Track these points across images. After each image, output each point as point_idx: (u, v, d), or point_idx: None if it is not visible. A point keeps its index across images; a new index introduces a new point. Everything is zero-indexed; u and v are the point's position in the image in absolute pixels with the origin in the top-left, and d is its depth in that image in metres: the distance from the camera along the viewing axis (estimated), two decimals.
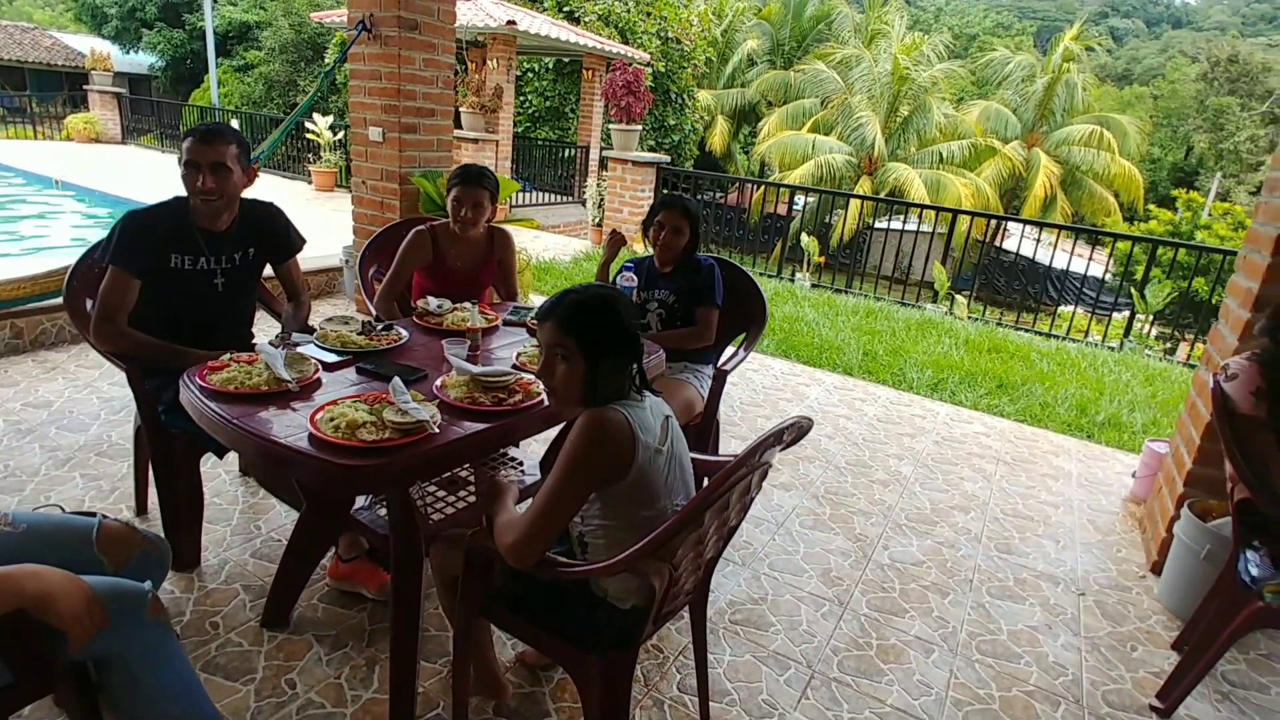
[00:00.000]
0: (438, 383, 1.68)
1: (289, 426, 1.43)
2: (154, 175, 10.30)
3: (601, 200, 7.97)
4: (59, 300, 3.52)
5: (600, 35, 11.53)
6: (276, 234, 2.24)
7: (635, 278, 2.33)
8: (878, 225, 14.96)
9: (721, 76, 20.68)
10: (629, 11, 13.05)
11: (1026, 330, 6.60)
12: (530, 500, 1.30)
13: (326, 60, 14.95)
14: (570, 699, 1.83)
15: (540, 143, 13.06)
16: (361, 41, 3.96)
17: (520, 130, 12.96)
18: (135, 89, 20.20)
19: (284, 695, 1.74)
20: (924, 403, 4.33)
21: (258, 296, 2.35)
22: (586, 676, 1.37)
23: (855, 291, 7.35)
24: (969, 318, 6.69)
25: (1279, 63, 27.85)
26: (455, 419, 1.53)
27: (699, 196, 10.39)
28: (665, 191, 8.16)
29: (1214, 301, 8.68)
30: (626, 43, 12.50)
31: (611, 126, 7.58)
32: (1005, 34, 33.40)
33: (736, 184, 17.37)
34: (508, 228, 2.85)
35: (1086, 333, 6.78)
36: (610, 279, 2.76)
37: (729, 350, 2.79)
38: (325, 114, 11.49)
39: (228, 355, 1.69)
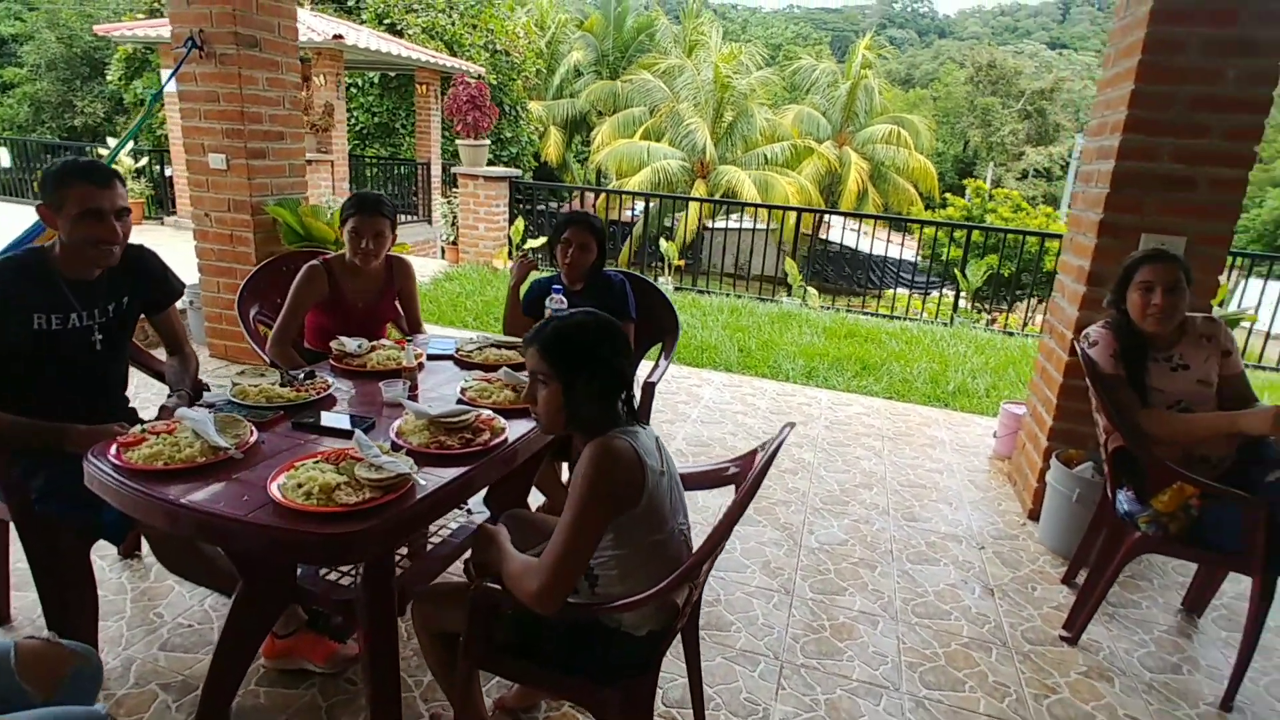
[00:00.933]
0: (393, 430, 1.56)
1: (245, 500, 1.27)
2: None
3: (455, 218, 7.73)
4: None
5: (427, 48, 11.17)
6: (153, 278, 1.96)
7: (565, 300, 2.29)
8: (715, 225, 15.75)
9: (550, 87, 20.76)
10: (454, 24, 12.76)
11: (871, 314, 7.21)
12: (545, 543, 1.24)
13: (109, 78, 13.29)
14: None
15: (374, 160, 12.42)
16: (192, 60, 3.57)
17: (350, 149, 12.25)
18: None
19: None
20: (805, 391, 4.61)
21: (129, 354, 2.05)
22: (607, 712, 1.33)
23: (716, 291, 7.67)
24: (821, 307, 7.21)
25: (1026, 66, 32.48)
26: (428, 467, 1.43)
27: (537, 208, 10.38)
28: (520, 205, 8.08)
29: (1005, 275, 9.99)
30: (455, 55, 12.20)
31: (459, 142, 7.38)
32: (805, 43, 36.25)
33: (576, 193, 17.51)
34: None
35: (921, 311, 7.53)
36: (521, 301, 2.70)
37: (646, 363, 2.82)
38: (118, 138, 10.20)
39: (139, 427, 1.47)
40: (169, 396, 1.90)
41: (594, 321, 1.34)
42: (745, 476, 1.51)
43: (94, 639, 1.83)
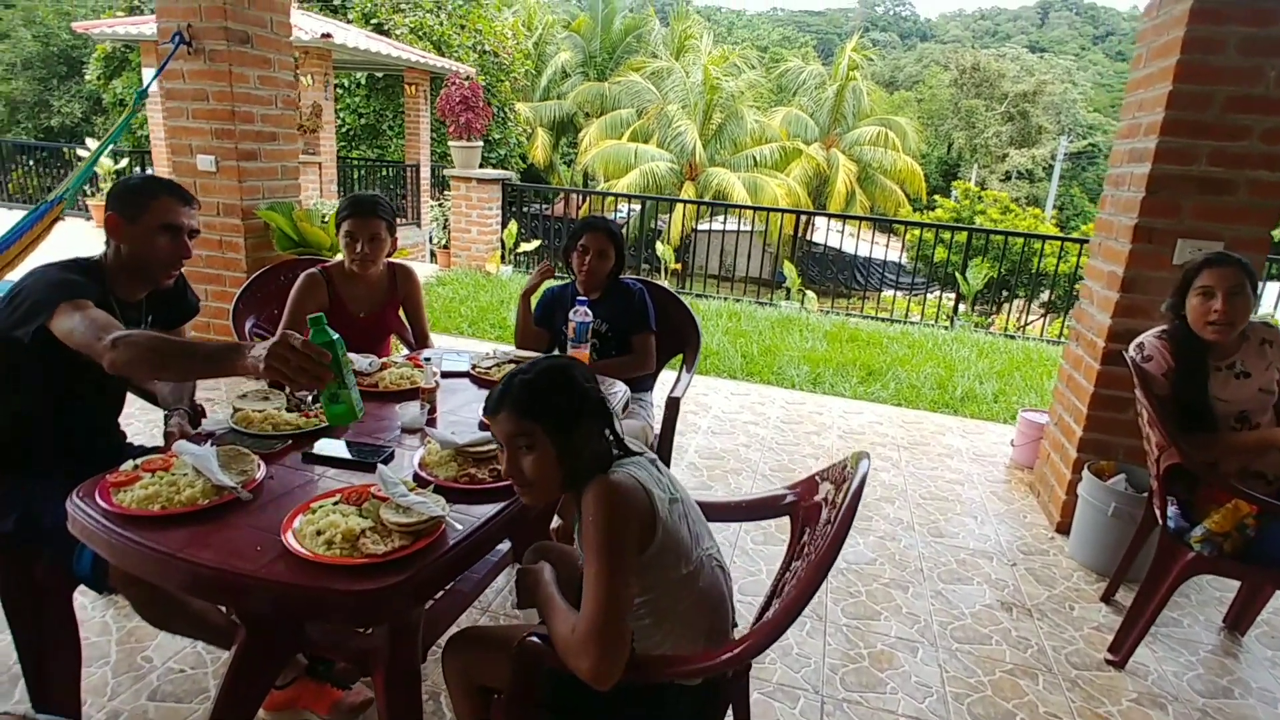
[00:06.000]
0: (415, 461, 1.41)
1: (257, 551, 1.12)
2: None
3: (446, 221, 7.55)
4: None
5: (415, 48, 10.97)
6: (174, 296, 1.82)
7: (590, 311, 2.15)
8: (700, 228, 15.65)
9: (537, 89, 20.56)
10: (442, 24, 12.57)
11: (870, 318, 7.12)
12: (582, 608, 1.09)
13: (88, 77, 12.97)
14: None
15: (361, 163, 12.20)
16: (179, 57, 3.39)
17: (336, 151, 12.03)
18: None
19: None
20: (814, 399, 4.49)
21: None
22: None
23: (712, 295, 7.56)
24: (820, 311, 7.12)
25: (1009, 70, 32.68)
26: (459, 504, 1.28)
27: (525, 210, 10.19)
28: (513, 209, 7.92)
29: (994, 276, 9.95)
30: (443, 55, 12.01)
31: (452, 144, 7.20)
32: (791, 46, 36.30)
33: (562, 195, 17.35)
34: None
35: (919, 315, 7.46)
36: (531, 307, 2.55)
37: (666, 374, 2.69)
38: (97, 138, 9.93)
39: (131, 464, 1.31)
40: (169, 417, 1.74)
41: (557, 362, 1.21)
42: (804, 507, 1.37)
43: (76, 690, 1.66)
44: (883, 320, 7.02)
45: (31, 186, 11.13)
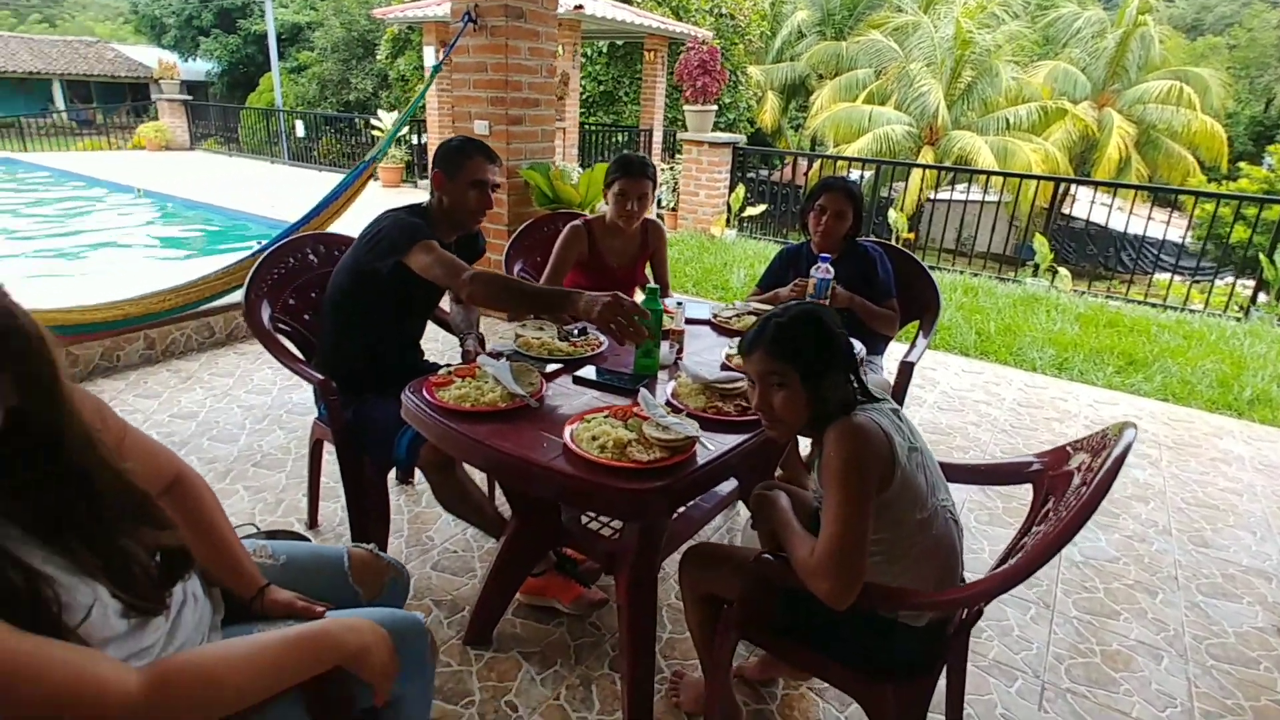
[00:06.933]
0: (669, 391, 1.59)
1: (544, 447, 1.35)
2: (225, 179, 10.50)
3: (675, 184, 7.82)
4: (189, 310, 3.57)
5: (655, 14, 11.31)
6: (470, 238, 2.19)
7: (831, 269, 2.20)
8: (938, 196, 14.50)
9: (770, 51, 20.18)
10: None
11: (1137, 303, 6.25)
12: (821, 536, 1.19)
13: (379, 57, 15.04)
14: (799, 715, 1.74)
15: (597, 128, 12.92)
16: (467, 34, 3.88)
17: (578, 117, 12.85)
18: (194, 95, 20.73)
19: (508, 719, 1.69)
20: (1058, 384, 4.11)
21: None
22: (882, 708, 1.27)
23: (947, 268, 7.09)
24: (1074, 291, 6.38)
25: None
26: (707, 432, 1.43)
27: (750, 175, 10.13)
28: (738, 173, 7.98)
29: None
30: (680, 20, 12.24)
31: (686, 108, 7.41)
32: None
33: (789, 159, 17.02)
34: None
35: (1201, 303, 6.40)
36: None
37: (894, 346, 2.65)
38: (390, 109, 11.54)
39: (445, 369, 1.63)
40: (464, 340, 2.12)
41: (811, 309, 1.29)
42: (1052, 475, 1.34)
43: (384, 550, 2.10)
44: (1152, 305, 6.14)
45: (334, 152, 13.27)
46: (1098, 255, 14.07)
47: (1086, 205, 12.99)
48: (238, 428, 3.03)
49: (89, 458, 0.86)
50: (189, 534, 1.05)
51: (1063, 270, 6.43)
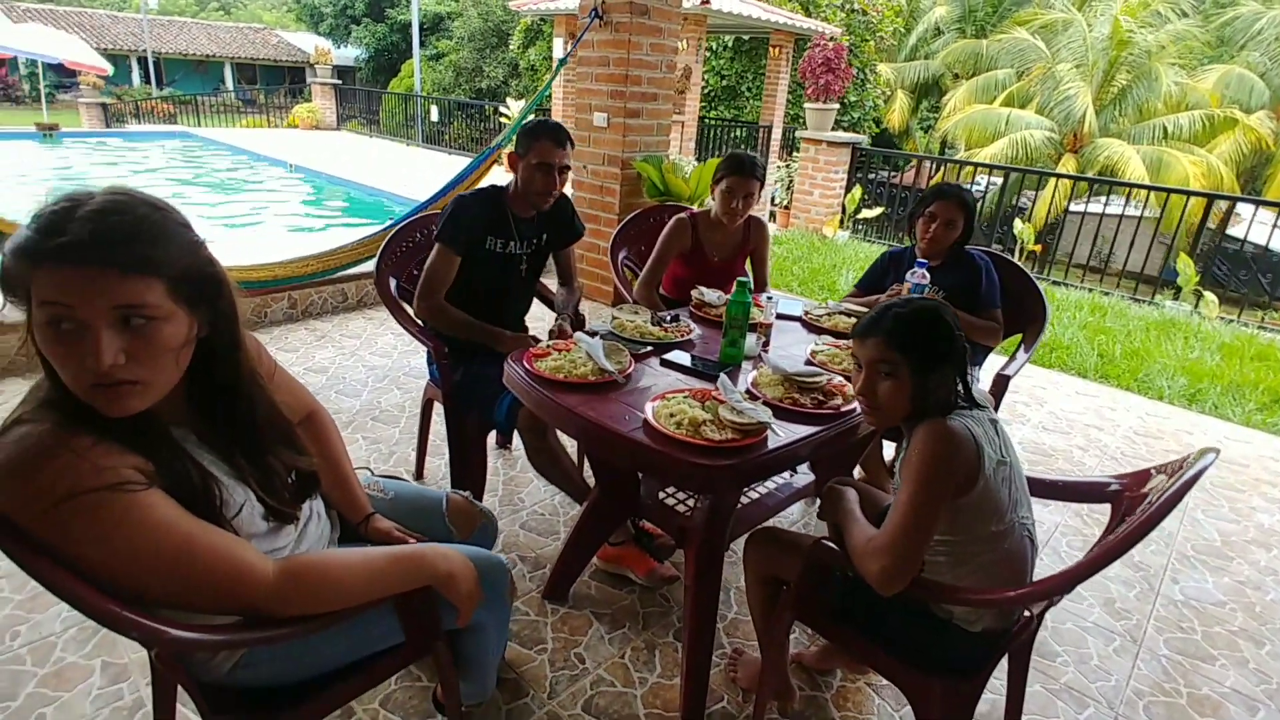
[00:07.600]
0: (749, 380, 1.66)
1: (626, 419, 1.46)
2: (364, 158, 11.29)
3: (790, 182, 7.76)
4: (327, 276, 3.94)
5: (784, 9, 11.17)
6: (565, 220, 2.33)
7: (928, 274, 2.19)
8: (1074, 208, 13.51)
9: (903, 48, 19.43)
10: None
11: None
12: (886, 522, 1.23)
13: (511, 46, 15.68)
14: (853, 708, 1.77)
15: (716, 122, 12.93)
16: (593, 29, 4.05)
17: (698, 111, 12.91)
18: (343, 80, 22.37)
19: (575, 669, 1.82)
20: (1185, 415, 3.83)
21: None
22: (928, 702, 1.30)
23: (1075, 285, 6.68)
24: (1220, 318, 5.86)
25: None
26: (781, 420, 1.49)
27: (870, 176, 9.84)
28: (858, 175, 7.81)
29: None
30: (809, 16, 12.04)
31: (807, 105, 7.33)
32: None
33: (914, 162, 16.36)
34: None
35: None
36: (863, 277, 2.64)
37: (993, 359, 2.59)
38: (519, 98, 12.02)
39: (546, 341, 1.77)
40: (560, 315, 2.27)
41: (933, 305, 1.29)
42: (1129, 497, 1.32)
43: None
44: None
45: (463, 136, 13.98)
46: (1259, 279, 12.71)
47: (1249, 225, 11.75)
48: (361, 385, 3.34)
49: (254, 387, 1.05)
50: (318, 461, 1.23)
51: (1209, 295, 5.90)
